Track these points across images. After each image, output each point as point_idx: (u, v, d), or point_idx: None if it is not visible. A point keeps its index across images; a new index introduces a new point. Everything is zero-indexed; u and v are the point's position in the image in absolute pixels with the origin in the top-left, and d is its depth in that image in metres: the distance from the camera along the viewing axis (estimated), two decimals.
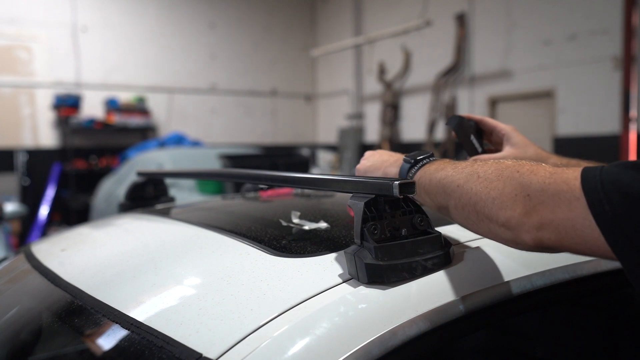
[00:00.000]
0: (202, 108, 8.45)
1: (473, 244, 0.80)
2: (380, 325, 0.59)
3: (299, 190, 1.46)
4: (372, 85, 8.37)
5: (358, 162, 0.88)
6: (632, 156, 5.12)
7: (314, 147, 9.35)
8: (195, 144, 7.07)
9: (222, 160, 3.59)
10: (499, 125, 0.93)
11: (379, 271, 0.64)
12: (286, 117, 9.42)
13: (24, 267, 1.09)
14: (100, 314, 0.75)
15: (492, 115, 6.74)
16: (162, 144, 6.72)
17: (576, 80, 5.73)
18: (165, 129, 8.01)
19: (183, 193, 4.08)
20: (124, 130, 7.47)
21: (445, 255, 0.70)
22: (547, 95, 6.07)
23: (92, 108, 7.37)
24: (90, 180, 6.93)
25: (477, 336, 0.90)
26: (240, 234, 0.91)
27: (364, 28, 8.55)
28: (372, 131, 8.44)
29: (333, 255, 0.75)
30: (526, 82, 6.25)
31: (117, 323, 0.71)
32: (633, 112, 5.08)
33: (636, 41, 5.06)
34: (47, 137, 7.23)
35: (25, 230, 6.59)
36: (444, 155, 7.03)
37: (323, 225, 0.90)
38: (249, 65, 8.89)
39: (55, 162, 7.21)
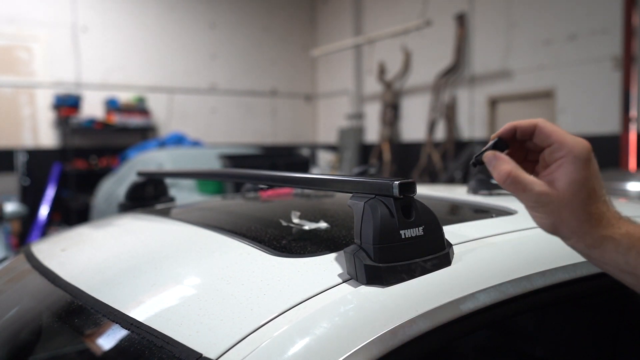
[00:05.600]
0: (202, 108, 8.45)
1: (473, 244, 0.80)
2: (380, 325, 0.59)
3: (299, 190, 1.46)
4: (372, 85, 8.37)
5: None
6: (632, 156, 5.12)
7: (314, 147, 9.35)
8: (195, 144, 7.07)
9: (222, 160, 3.59)
10: (563, 136, 0.58)
11: (377, 273, 0.64)
12: (286, 117, 9.42)
13: (24, 267, 1.09)
14: (100, 314, 0.75)
15: (492, 115, 6.74)
16: (162, 144, 6.72)
17: (576, 80, 5.74)
18: (165, 129, 8.01)
19: (183, 193, 4.08)
20: (124, 130, 7.47)
21: (445, 256, 0.70)
22: (547, 95, 6.07)
23: (92, 108, 7.37)
24: (91, 180, 6.92)
25: (477, 336, 0.90)
26: (240, 234, 0.91)
27: (364, 28, 8.55)
28: (372, 131, 8.44)
29: (333, 255, 0.75)
30: (526, 82, 6.25)
31: (117, 323, 0.71)
32: (633, 112, 5.08)
33: (636, 41, 5.07)
34: (47, 137, 7.23)
35: (25, 230, 6.59)
36: (444, 155, 7.04)
37: (323, 225, 0.90)
38: (249, 65, 8.89)
39: (56, 162, 7.21)
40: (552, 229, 0.57)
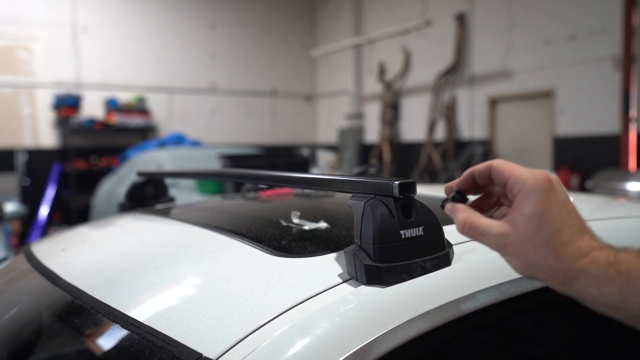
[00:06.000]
0: (202, 108, 8.46)
1: (473, 244, 0.80)
2: (380, 325, 0.59)
3: (299, 190, 1.46)
4: (372, 85, 8.37)
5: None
6: (632, 156, 5.12)
7: (314, 147, 9.35)
8: (195, 144, 7.07)
9: (222, 160, 3.59)
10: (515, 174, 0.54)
11: (377, 273, 0.64)
12: (286, 117, 9.42)
13: (24, 267, 1.08)
14: (100, 314, 0.75)
15: (492, 115, 6.74)
16: (162, 144, 6.72)
17: (576, 80, 5.74)
18: (165, 129, 8.01)
19: (183, 193, 4.08)
20: (124, 130, 7.47)
21: (445, 256, 0.70)
22: (547, 95, 6.07)
23: (92, 108, 7.37)
24: (90, 180, 6.93)
25: (477, 336, 0.90)
26: (240, 234, 0.91)
27: (364, 28, 8.55)
28: (372, 131, 8.44)
29: (333, 255, 0.75)
30: (526, 82, 6.25)
31: (117, 323, 0.71)
32: (633, 112, 5.08)
33: (636, 41, 5.07)
34: (47, 137, 7.23)
35: (25, 230, 6.59)
36: (444, 155, 7.04)
37: (323, 225, 0.90)
38: (249, 65, 8.89)
39: (55, 162, 7.21)
40: (525, 272, 0.53)
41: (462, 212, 0.57)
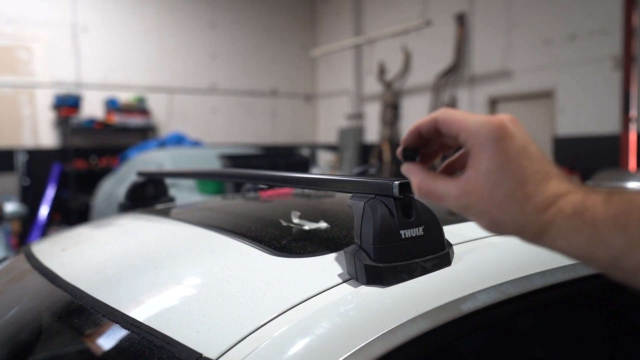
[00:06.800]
0: (202, 108, 8.45)
1: (473, 244, 0.80)
2: (380, 325, 0.59)
3: (299, 190, 1.46)
4: (372, 85, 8.37)
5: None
6: (632, 156, 5.12)
7: (314, 147, 9.35)
8: (195, 144, 7.07)
9: (222, 160, 3.59)
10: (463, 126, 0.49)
11: (377, 273, 0.64)
12: (286, 117, 9.42)
13: (24, 267, 1.08)
14: (100, 314, 0.75)
15: (492, 115, 6.74)
16: (162, 144, 6.72)
17: (576, 80, 5.74)
18: (165, 129, 8.01)
19: (183, 193, 4.08)
20: (124, 130, 7.47)
21: (445, 256, 0.70)
22: (547, 95, 6.07)
23: (92, 108, 7.37)
24: (90, 180, 6.93)
25: (477, 336, 0.90)
26: (240, 234, 0.91)
27: (364, 28, 8.55)
28: (372, 131, 8.44)
29: (333, 255, 0.75)
30: (526, 82, 6.25)
31: (117, 323, 0.71)
32: (633, 112, 5.08)
33: (636, 41, 5.06)
34: (47, 137, 7.23)
35: (25, 230, 6.58)
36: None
37: (323, 225, 0.90)
38: (249, 65, 8.89)
39: (55, 162, 7.21)
40: (494, 230, 0.48)
41: (417, 174, 0.52)
